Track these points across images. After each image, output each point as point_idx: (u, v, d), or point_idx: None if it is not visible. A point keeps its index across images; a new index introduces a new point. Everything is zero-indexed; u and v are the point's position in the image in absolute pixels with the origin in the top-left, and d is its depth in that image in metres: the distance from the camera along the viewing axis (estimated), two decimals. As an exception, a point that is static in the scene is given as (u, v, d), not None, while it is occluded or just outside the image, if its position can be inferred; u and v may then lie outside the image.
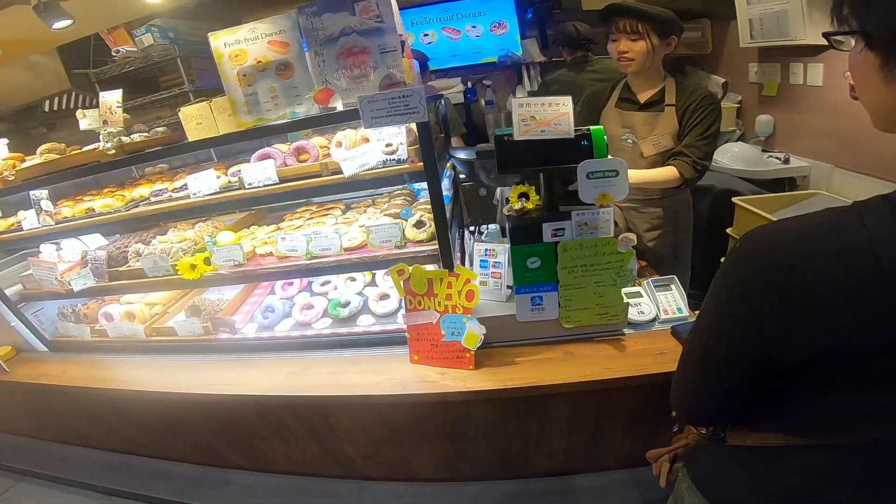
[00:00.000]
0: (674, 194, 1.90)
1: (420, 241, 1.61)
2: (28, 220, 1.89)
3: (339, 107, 1.43)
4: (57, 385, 1.96)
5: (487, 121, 3.88)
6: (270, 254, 1.73)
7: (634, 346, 1.50)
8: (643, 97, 1.82)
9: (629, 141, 1.85)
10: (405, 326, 1.63)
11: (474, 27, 3.81)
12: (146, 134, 1.86)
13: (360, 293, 1.99)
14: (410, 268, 1.53)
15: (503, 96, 3.91)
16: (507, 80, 3.87)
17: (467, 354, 1.52)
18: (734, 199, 2.44)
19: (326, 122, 1.44)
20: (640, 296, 1.68)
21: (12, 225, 1.96)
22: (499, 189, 2.38)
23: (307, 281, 2.14)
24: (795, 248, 0.58)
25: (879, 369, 0.57)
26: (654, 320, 1.60)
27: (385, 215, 1.75)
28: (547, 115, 1.33)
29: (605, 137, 1.38)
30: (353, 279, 2.05)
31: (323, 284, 2.08)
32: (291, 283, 2.11)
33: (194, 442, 2.14)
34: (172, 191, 1.72)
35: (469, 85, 3.76)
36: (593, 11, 3.33)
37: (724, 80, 3.31)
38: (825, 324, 0.56)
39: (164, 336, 1.98)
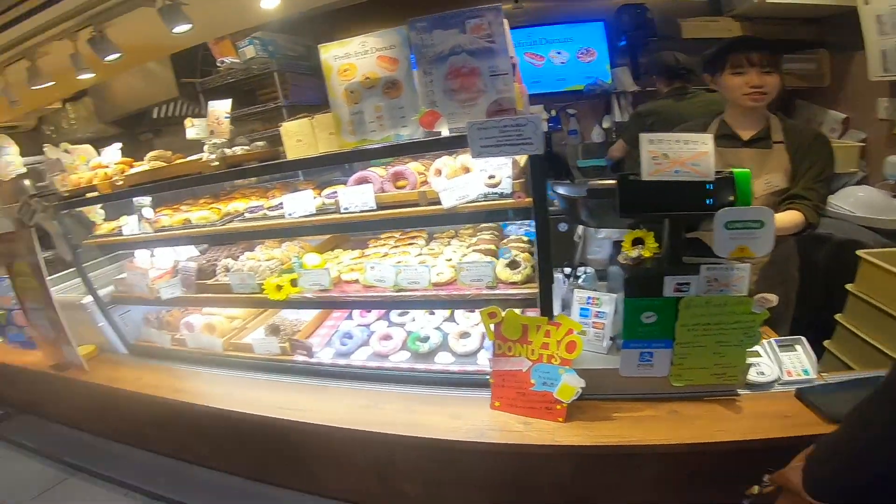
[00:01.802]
0: (782, 241, 1.71)
1: (513, 283, 1.51)
2: (129, 225, 1.99)
3: (445, 132, 1.37)
4: (130, 391, 2.01)
5: (568, 151, 3.78)
6: (356, 281, 1.70)
7: (751, 408, 1.35)
8: (746, 134, 1.68)
9: None
10: (487, 369, 1.53)
11: (559, 53, 3.73)
12: (247, 147, 1.91)
13: (438, 328, 1.90)
14: (503, 311, 1.43)
15: (587, 126, 3.79)
16: (593, 110, 3.75)
17: (558, 406, 1.40)
18: (859, 252, 2.14)
19: (431, 148, 1.40)
20: (759, 355, 1.48)
21: (114, 229, 2.07)
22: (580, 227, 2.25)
23: (386, 310, 2.09)
24: None
25: None
26: (774, 382, 1.42)
27: (474, 251, 1.67)
28: (682, 153, 1.20)
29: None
30: (433, 313, 1.97)
31: (401, 315, 2.02)
32: (370, 311, 2.07)
33: (251, 457, 2.12)
34: (268, 208, 1.73)
35: (553, 113, 3.68)
36: (693, 40, 3.20)
37: (843, 116, 3.02)
38: None
39: (241, 352, 1.99)
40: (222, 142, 1.85)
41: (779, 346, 1.49)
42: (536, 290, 1.42)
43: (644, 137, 1.22)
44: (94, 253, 2.36)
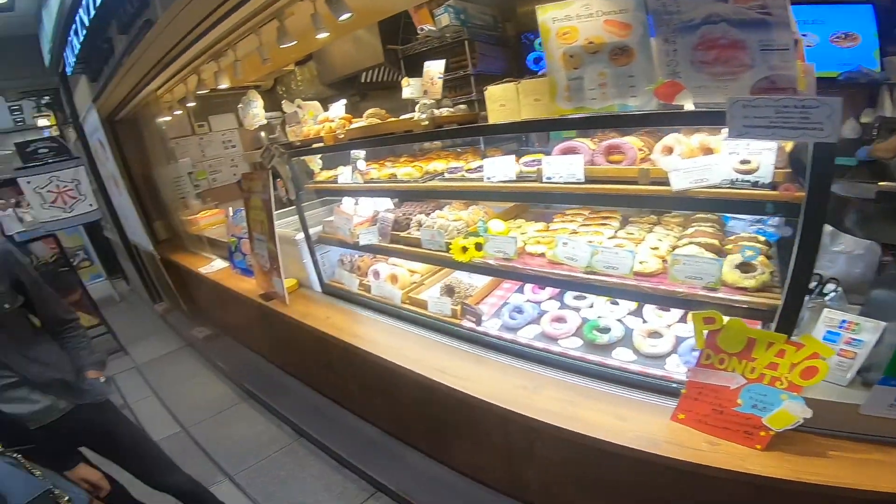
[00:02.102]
0: None
1: (742, 289, 1.27)
2: (343, 175, 2.23)
3: (689, 106, 1.19)
4: (317, 329, 2.21)
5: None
6: (542, 255, 1.63)
7: None
8: None
9: None
10: (675, 376, 1.38)
11: (805, 35, 3.06)
12: (451, 110, 1.97)
13: (620, 320, 1.74)
14: (726, 319, 1.21)
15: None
16: (849, 101, 3.01)
17: (762, 433, 1.20)
18: None
19: (669, 122, 1.23)
20: None
21: (331, 177, 2.35)
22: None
23: (559, 290, 1.99)
24: None
25: None
26: None
27: (691, 243, 1.45)
28: None
29: None
30: (616, 303, 1.81)
31: (577, 298, 1.91)
32: (543, 288, 2.00)
33: (394, 412, 2.26)
34: (467, 170, 1.76)
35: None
36: None
37: None
38: None
39: (416, 307, 2.11)
40: (431, 102, 1.93)
41: None
42: (774, 302, 1.18)
43: None
44: (310, 196, 2.73)
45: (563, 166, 1.46)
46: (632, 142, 1.45)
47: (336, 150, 2.23)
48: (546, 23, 1.44)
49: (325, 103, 2.64)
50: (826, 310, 1.22)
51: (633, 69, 1.33)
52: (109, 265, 7.16)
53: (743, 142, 1.23)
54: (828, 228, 1.46)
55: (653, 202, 1.30)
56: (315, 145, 2.35)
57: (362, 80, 4.06)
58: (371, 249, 2.18)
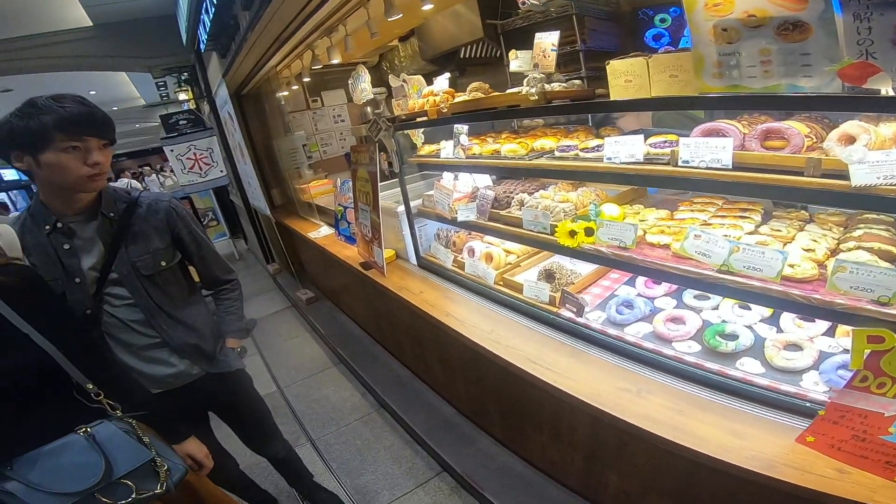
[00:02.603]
0: None
1: (932, 308, 1.02)
2: (446, 149, 2.20)
3: (887, 90, 0.96)
4: (411, 302, 2.24)
5: None
6: (666, 246, 1.46)
7: None
8: None
9: None
10: (811, 395, 1.23)
11: None
12: (565, 85, 1.83)
13: (750, 327, 1.53)
14: (900, 339, 0.99)
15: None
16: None
17: None
18: None
19: (851, 107, 1.01)
20: None
21: (433, 151, 2.34)
22: None
23: (677, 286, 1.80)
24: None
25: None
26: None
27: (861, 248, 1.20)
28: None
29: None
30: (748, 307, 1.59)
31: (698, 298, 1.71)
32: (659, 283, 1.82)
33: (473, 394, 2.24)
34: (582, 149, 1.63)
35: None
36: None
37: None
38: None
39: (510, 289, 2.04)
40: (541, 76, 1.80)
41: None
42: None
43: None
44: (412, 169, 2.77)
45: (706, 150, 1.27)
46: (797, 126, 1.22)
47: (439, 125, 2.20)
48: (693, -8, 1.24)
49: (428, 78, 2.62)
50: None
51: (809, 46, 1.10)
52: (232, 225, 8.08)
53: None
54: None
55: (823, 198, 1.09)
56: (419, 119, 2.34)
57: (461, 56, 3.99)
58: (469, 226, 2.14)
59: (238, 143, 5.11)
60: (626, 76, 1.49)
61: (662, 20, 2.46)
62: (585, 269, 2.00)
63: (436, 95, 2.29)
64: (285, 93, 4.79)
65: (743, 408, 1.33)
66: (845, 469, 1.11)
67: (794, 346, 1.41)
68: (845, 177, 1.03)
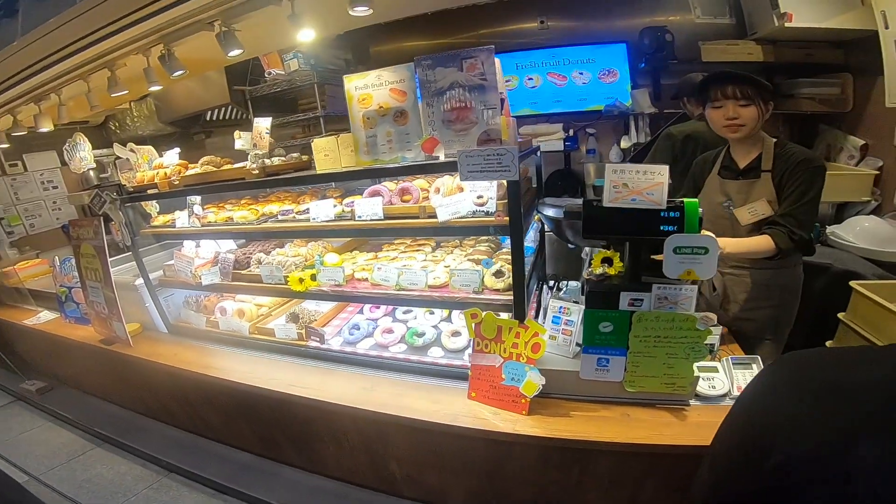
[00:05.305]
0: (778, 267, 1.86)
1: (497, 290, 1.81)
2: (181, 219, 2.41)
3: (442, 157, 1.69)
4: (166, 364, 2.35)
5: (586, 170, 4.02)
6: (366, 279, 2.04)
7: (697, 418, 1.53)
8: (742, 163, 1.85)
9: (729, 209, 1.87)
10: (469, 364, 1.81)
11: (581, 74, 3.92)
12: (283, 158, 2.30)
13: (435, 326, 2.22)
14: (483, 313, 1.72)
15: (606, 146, 4.02)
16: (613, 130, 3.98)
17: (522, 400, 1.65)
18: (852, 283, 2.26)
19: (429, 170, 1.73)
20: (716, 371, 1.69)
21: (168, 221, 2.50)
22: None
23: (392, 307, 2.42)
24: None
25: None
26: (724, 395, 1.61)
27: (468, 260, 1.98)
28: (640, 183, 1.41)
29: (704, 207, 1.42)
30: (432, 312, 2.29)
31: (405, 312, 2.36)
32: (378, 307, 2.41)
33: (260, 433, 2.46)
34: (297, 213, 2.11)
35: (570, 133, 3.93)
36: (713, 63, 3.32)
37: (862, 142, 3.03)
38: None
39: (264, 336, 2.37)
40: (263, 153, 2.25)
41: (735, 364, 1.71)
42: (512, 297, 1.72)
43: (609, 167, 1.43)
44: (148, 240, 2.81)
45: (368, 206, 1.89)
46: (419, 184, 1.94)
47: (172, 197, 2.40)
48: (350, 90, 1.87)
49: (166, 141, 2.79)
50: (552, 300, 1.81)
51: (409, 128, 1.80)
52: None
53: (483, 182, 1.78)
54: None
55: (429, 232, 1.79)
56: (150, 191, 2.48)
57: (207, 118, 4.17)
58: (214, 288, 2.38)
59: None
60: (325, 151, 2.02)
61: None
62: (327, 307, 2.47)
63: (166, 168, 2.48)
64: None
65: (439, 383, 1.93)
66: (497, 411, 1.70)
67: (457, 333, 2.13)
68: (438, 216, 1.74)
